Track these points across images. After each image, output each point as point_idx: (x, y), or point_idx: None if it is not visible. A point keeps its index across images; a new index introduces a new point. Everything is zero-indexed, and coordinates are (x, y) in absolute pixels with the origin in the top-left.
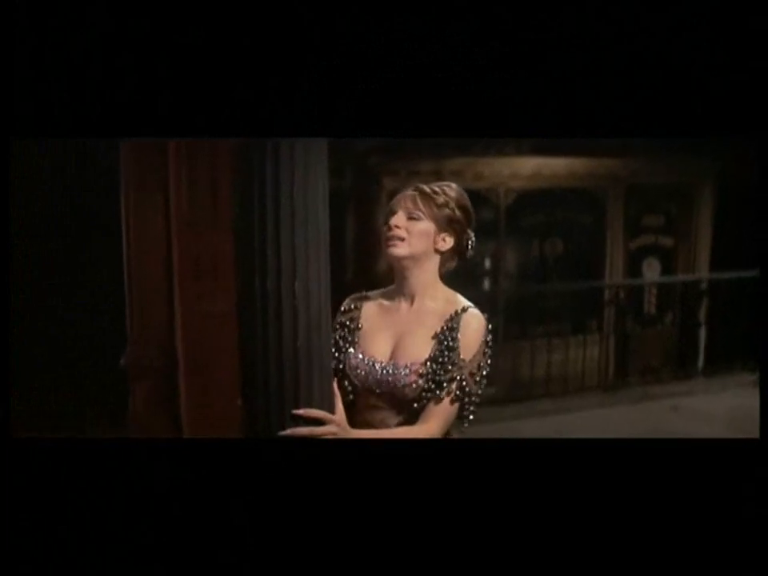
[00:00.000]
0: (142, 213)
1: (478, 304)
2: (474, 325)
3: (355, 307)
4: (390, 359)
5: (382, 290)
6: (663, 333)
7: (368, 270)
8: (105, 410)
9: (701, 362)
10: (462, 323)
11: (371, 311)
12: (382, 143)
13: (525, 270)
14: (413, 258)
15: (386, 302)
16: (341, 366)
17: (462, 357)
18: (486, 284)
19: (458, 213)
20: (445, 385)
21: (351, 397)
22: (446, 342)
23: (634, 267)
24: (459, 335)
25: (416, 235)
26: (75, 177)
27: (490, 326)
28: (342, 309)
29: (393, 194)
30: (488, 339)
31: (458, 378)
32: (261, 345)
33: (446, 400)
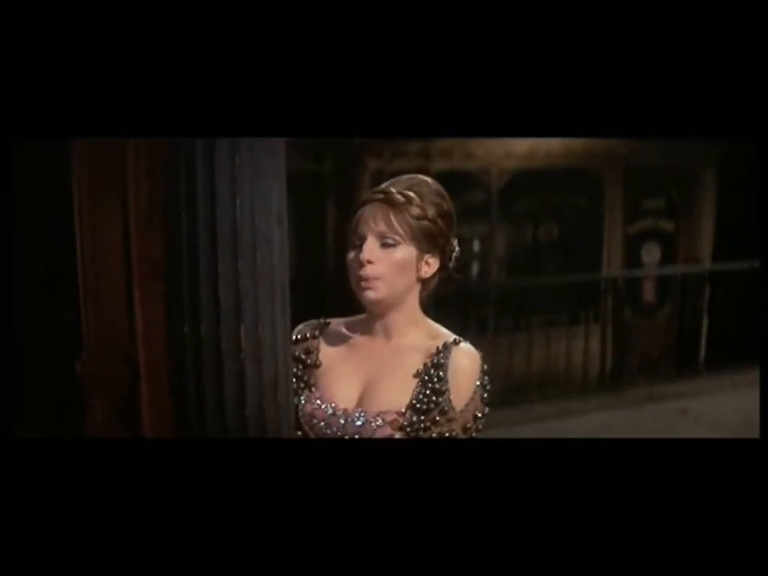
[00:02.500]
0: (97, 211)
1: (466, 294)
2: (466, 364)
3: (312, 336)
4: (358, 406)
5: (347, 318)
6: (663, 323)
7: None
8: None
9: (702, 355)
10: (450, 361)
11: (333, 344)
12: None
13: (518, 257)
14: (392, 298)
15: (353, 336)
16: None
17: (453, 405)
18: (476, 269)
19: (439, 222)
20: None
21: None
22: (430, 384)
23: (632, 253)
24: (449, 375)
25: (395, 269)
26: (62, 186)
27: (485, 366)
28: (296, 337)
29: (377, 176)
30: (485, 382)
31: (447, 434)
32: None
33: None
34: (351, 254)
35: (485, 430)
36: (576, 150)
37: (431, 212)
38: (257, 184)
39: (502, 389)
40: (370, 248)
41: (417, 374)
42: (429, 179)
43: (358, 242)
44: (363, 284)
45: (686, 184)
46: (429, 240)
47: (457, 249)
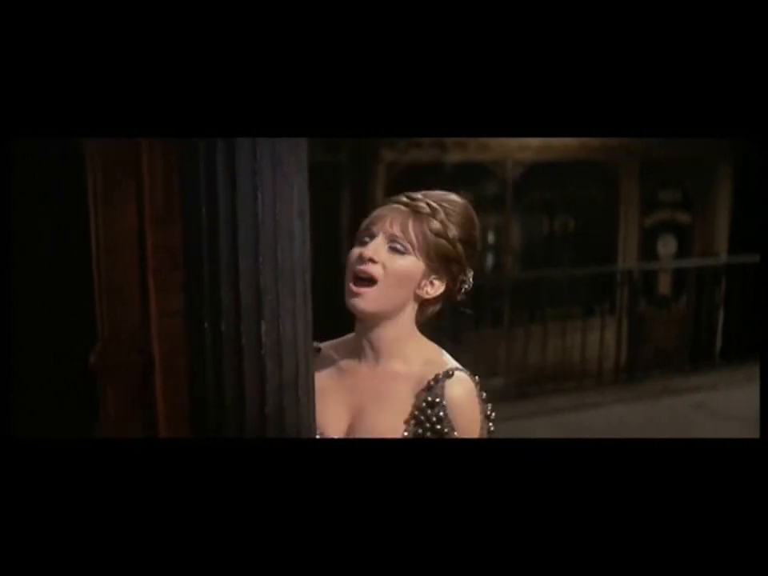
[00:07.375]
0: (112, 204)
1: (481, 286)
2: (464, 399)
3: None
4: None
5: (336, 340)
6: (678, 316)
7: None
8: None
9: (718, 348)
10: (447, 398)
11: (322, 372)
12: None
13: (533, 249)
14: (383, 313)
15: (340, 359)
16: None
17: None
18: (490, 261)
19: (458, 247)
20: None
21: None
22: (428, 424)
23: (648, 245)
24: (450, 414)
25: (395, 278)
26: (75, 177)
27: (485, 394)
28: None
29: (392, 167)
30: (488, 412)
31: None
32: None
33: None
34: (355, 251)
35: (500, 423)
36: (591, 143)
37: (453, 233)
38: (278, 178)
39: (517, 381)
40: (377, 246)
41: (411, 414)
42: (465, 202)
43: (366, 239)
44: (354, 288)
45: (702, 176)
46: (441, 261)
47: (470, 282)
